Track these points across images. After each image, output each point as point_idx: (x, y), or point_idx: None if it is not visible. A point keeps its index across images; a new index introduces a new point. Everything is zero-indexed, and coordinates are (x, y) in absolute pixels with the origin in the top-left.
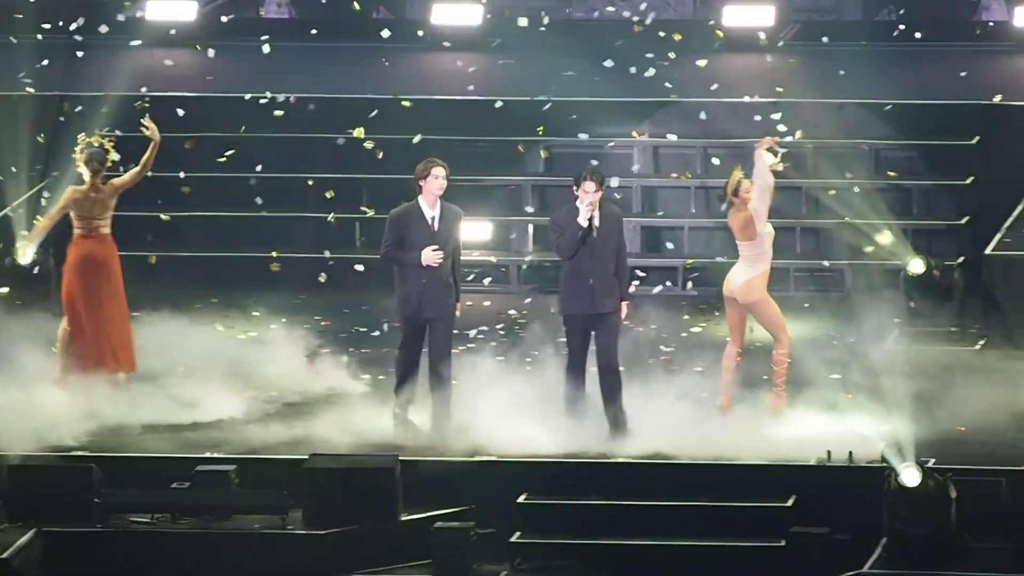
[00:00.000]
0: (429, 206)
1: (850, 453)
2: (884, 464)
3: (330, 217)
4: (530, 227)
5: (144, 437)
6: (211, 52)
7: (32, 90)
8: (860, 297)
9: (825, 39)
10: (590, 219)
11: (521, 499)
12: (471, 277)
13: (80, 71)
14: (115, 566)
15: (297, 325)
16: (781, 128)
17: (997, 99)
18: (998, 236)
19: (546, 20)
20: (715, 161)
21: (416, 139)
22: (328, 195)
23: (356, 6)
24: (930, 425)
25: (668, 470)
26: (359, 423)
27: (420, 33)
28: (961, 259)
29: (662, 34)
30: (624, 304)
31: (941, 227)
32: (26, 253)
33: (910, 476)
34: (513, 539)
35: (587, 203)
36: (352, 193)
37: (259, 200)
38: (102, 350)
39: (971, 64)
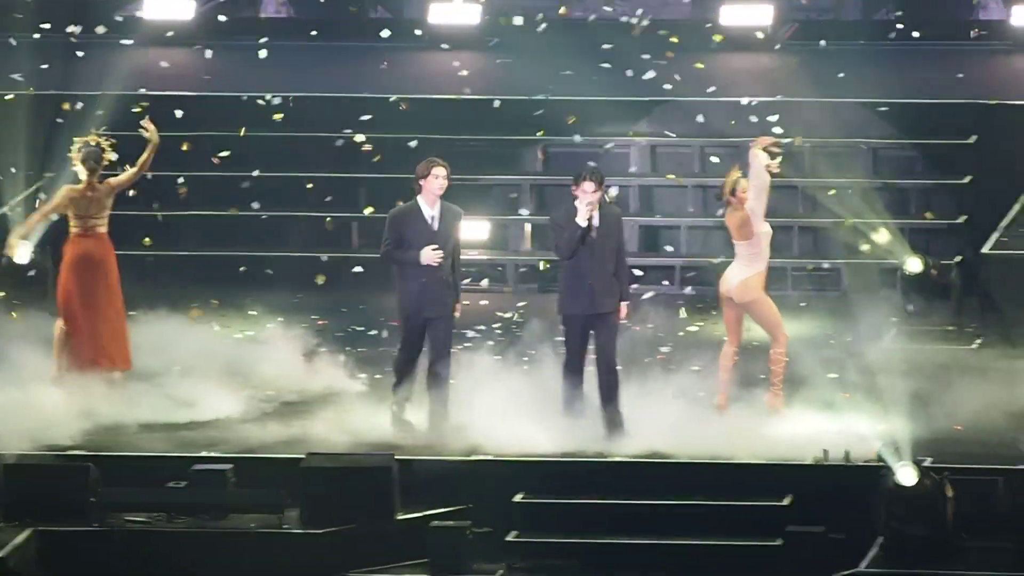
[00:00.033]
0: (429, 205)
1: (847, 452)
2: (881, 463)
3: (327, 223)
4: (527, 226)
5: (140, 436)
6: (208, 53)
7: (30, 90)
8: (857, 296)
9: (823, 43)
10: (589, 219)
11: (518, 498)
12: (467, 280)
13: (77, 71)
14: (111, 565)
15: (294, 324)
16: (777, 131)
17: (992, 102)
18: (995, 235)
19: (543, 24)
20: (714, 160)
21: (413, 143)
22: (327, 199)
23: (352, 9)
24: (927, 424)
25: (665, 469)
26: (356, 422)
27: (418, 32)
28: (958, 258)
29: (663, 32)
30: (624, 304)
31: (939, 226)
32: (23, 252)
33: (907, 475)
34: (509, 538)
35: (586, 203)
36: (350, 193)
37: (256, 205)
38: (98, 349)
39: (969, 63)
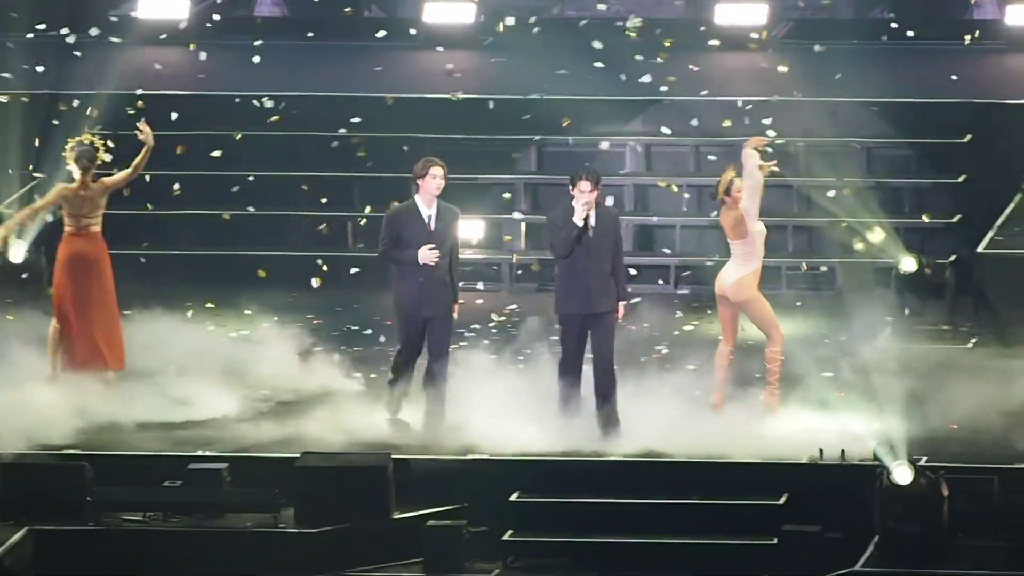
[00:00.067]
0: (426, 205)
1: (842, 451)
2: (876, 462)
3: (322, 227)
4: (522, 226)
5: (136, 435)
6: (203, 55)
7: (26, 91)
8: (852, 295)
9: (817, 47)
10: (585, 219)
11: (513, 497)
12: (462, 284)
13: (71, 70)
14: (107, 564)
15: (289, 323)
16: (771, 133)
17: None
18: (990, 234)
19: (534, 23)
20: (711, 158)
21: (405, 148)
22: (322, 200)
23: (346, 10)
24: (922, 423)
25: (661, 468)
26: (351, 421)
27: (412, 32)
28: (953, 257)
29: (658, 31)
30: (621, 304)
31: (934, 226)
32: (17, 252)
33: (902, 474)
34: (505, 537)
35: (583, 203)
36: (344, 192)
37: (251, 208)
38: (91, 349)
39: (963, 62)
